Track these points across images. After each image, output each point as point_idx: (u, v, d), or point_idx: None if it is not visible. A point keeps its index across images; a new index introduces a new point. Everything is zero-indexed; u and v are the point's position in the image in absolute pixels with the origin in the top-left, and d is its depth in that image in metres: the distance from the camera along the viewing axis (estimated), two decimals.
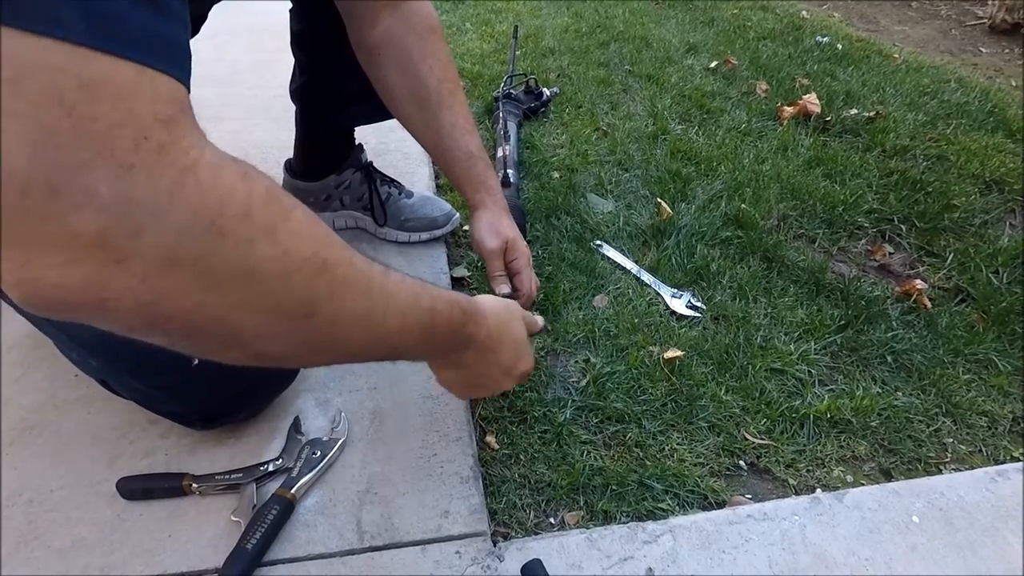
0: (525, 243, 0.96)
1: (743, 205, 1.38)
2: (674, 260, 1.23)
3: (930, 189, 1.47)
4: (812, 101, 1.79)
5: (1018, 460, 0.91)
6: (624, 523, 0.79)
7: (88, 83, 0.32)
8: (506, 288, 0.94)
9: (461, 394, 0.77)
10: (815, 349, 1.06)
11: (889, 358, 1.06)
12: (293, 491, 0.75)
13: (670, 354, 1.01)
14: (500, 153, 1.43)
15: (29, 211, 0.32)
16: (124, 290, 0.36)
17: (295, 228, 0.43)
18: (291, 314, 0.44)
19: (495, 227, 0.93)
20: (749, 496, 0.86)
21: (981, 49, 2.66)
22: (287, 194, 0.44)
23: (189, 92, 0.39)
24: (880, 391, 1.01)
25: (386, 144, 1.47)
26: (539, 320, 0.86)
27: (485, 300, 0.71)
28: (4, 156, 0.31)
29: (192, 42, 0.87)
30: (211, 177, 0.37)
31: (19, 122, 0.31)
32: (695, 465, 0.88)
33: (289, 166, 1.18)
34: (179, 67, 0.38)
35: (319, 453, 0.80)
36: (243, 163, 0.41)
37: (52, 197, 0.32)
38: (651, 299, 1.15)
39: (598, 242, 1.27)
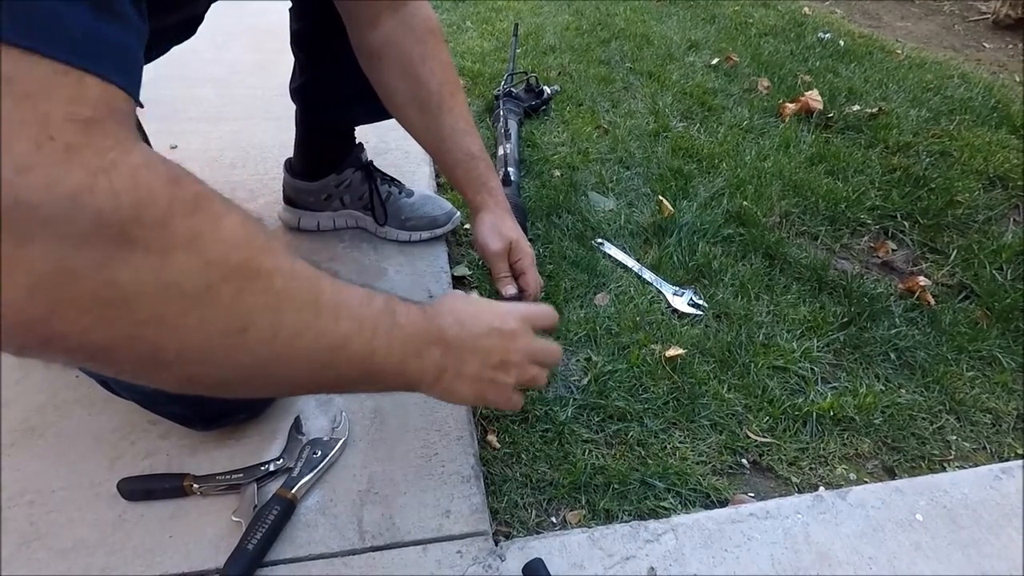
0: (528, 243, 0.95)
1: (745, 202, 1.38)
2: (676, 258, 1.23)
3: (933, 185, 1.46)
4: (814, 98, 1.78)
5: (1022, 457, 0.91)
6: (626, 522, 0.79)
7: None
8: (512, 289, 0.93)
9: (471, 399, 0.65)
10: (818, 346, 1.06)
11: (892, 355, 1.06)
12: (294, 491, 0.75)
13: (672, 352, 1.00)
14: (501, 151, 1.42)
15: None
16: (7, 304, 0.33)
17: (224, 236, 0.40)
18: (220, 330, 0.40)
19: (498, 228, 0.93)
20: (752, 494, 0.85)
21: (984, 44, 2.65)
22: (223, 200, 0.41)
23: (135, 98, 0.37)
24: (883, 388, 1.01)
25: (387, 143, 1.47)
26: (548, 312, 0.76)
27: (443, 296, 0.65)
28: None
29: (192, 42, 0.87)
30: (129, 179, 0.34)
31: None
32: (697, 463, 0.88)
33: (289, 165, 1.18)
34: (120, 72, 0.36)
35: (320, 453, 0.80)
36: (177, 167, 0.38)
37: None
38: (653, 297, 1.14)
39: (599, 240, 1.27)
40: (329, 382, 0.51)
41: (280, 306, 0.43)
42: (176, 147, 1.43)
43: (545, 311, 0.73)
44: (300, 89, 1.09)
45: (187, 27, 0.79)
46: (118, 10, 0.36)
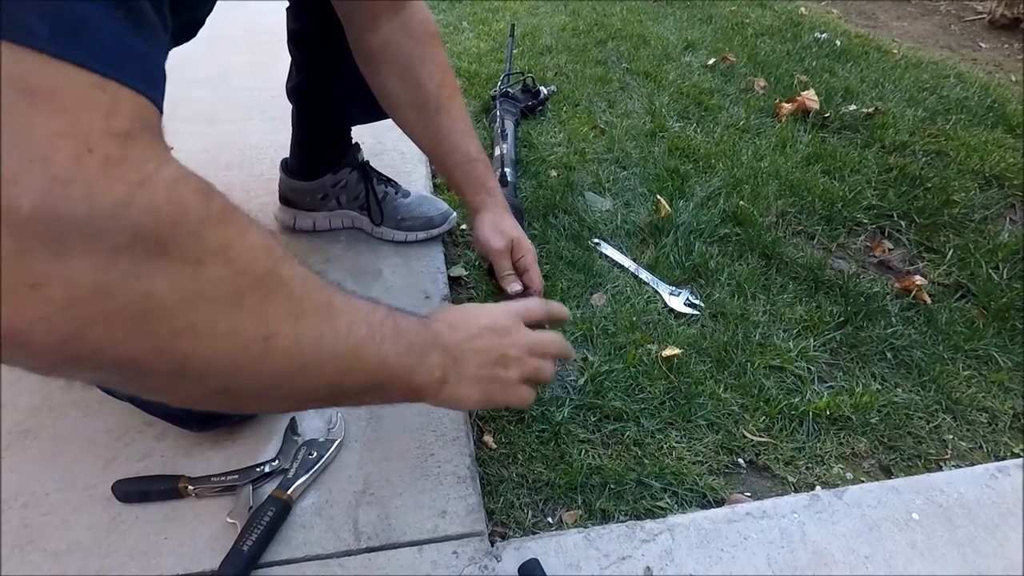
0: (529, 240, 0.96)
1: (741, 202, 1.38)
2: (672, 258, 1.23)
3: (929, 185, 1.46)
4: (811, 97, 1.78)
5: (1018, 456, 0.91)
6: (622, 522, 0.79)
7: (31, 90, 0.30)
8: (517, 286, 0.95)
9: (478, 401, 0.65)
10: (814, 346, 1.06)
11: (889, 354, 1.06)
12: (289, 492, 0.75)
13: (668, 352, 1.00)
14: (497, 152, 1.42)
15: None
16: (39, 320, 0.32)
17: (251, 244, 0.40)
18: (248, 338, 0.41)
19: (499, 227, 0.94)
20: (748, 494, 0.85)
21: (980, 44, 2.65)
22: (245, 213, 0.42)
23: (161, 112, 0.37)
24: (880, 388, 1.01)
25: (383, 143, 1.47)
26: (559, 309, 0.79)
27: (438, 308, 0.68)
28: None
29: (189, 44, 0.87)
30: (164, 192, 0.35)
31: None
32: (694, 463, 0.88)
33: (285, 165, 1.18)
34: (150, 85, 0.36)
35: (315, 454, 0.80)
36: (205, 181, 0.39)
37: None
38: (649, 297, 1.14)
39: (596, 240, 1.27)
40: (343, 392, 0.51)
41: (300, 313, 0.44)
42: (172, 148, 1.42)
43: (534, 304, 0.75)
44: (296, 88, 1.09)
45: (187, 31, 0.79)
46: (146, 20, 0.36)
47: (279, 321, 0.42)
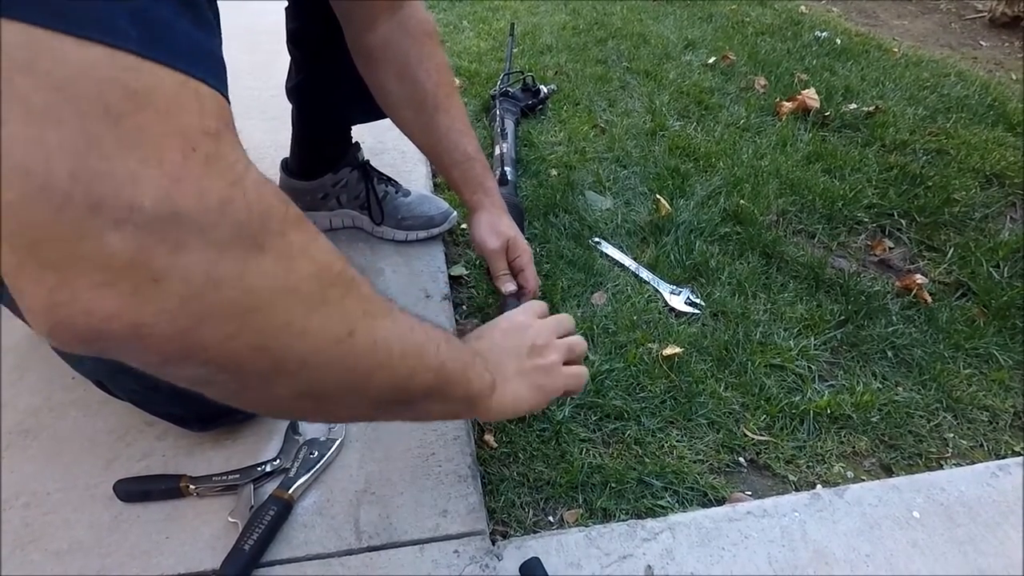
0: (525, 240, 0.96)
1: (742, 201, 1.38)
2: (673, 256, 1.23)
3: (930, 183, 1.46)
4: (811, 96, 1.78)
5: (1019, 455, 0.91)
6: (623, 521, 0.79)
7: (135, 92, 0.31)
8: (512, 286, 0.95)
9: (532, 395, 0.66)
10: (815, 345, 1.06)
11: (889, 353, 1.06)
12: (290, 492, 0.75)
13: (669, 351, 1.00)
14: (497, 151, 1.42)
15: (64, 228, 0.30)
16: (161, 313, 0.33)
17: (324, 247, 0.42)
18: (334, 334, 0.42)
19: (495, 227, 0.94)
20: (749, 493, 0.85)
21: (981, 43, 2.65)
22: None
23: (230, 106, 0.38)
24: (880, 386, 1.01)
25: (383, 143, 1.47)
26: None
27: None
28: (42, 169, 0.29)
29: None
30: (255, 191, 0.36)
31: (62, 132, 0.30)
32: (694, 462, 0.88)
33: (286, 165, 1.18)
34: (221, 80, 0.37)
35: (316, 453, 0.80)
36: (277, 186, 0.40)
37: (92, 213, 0.30)
38: (650, 296, 1.14)
39: (596, 239, 1.27)
40: (410, 393, 0.52)
41: (373, 312, 0.46)
42: None
43: (540, 303, 0.77)
44: (296, 88, 1.09)
45: None
46: (203, 16, 0.37)
47: (358, 318, 0.44)
